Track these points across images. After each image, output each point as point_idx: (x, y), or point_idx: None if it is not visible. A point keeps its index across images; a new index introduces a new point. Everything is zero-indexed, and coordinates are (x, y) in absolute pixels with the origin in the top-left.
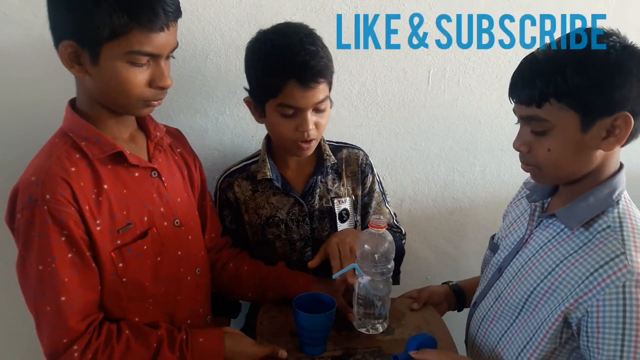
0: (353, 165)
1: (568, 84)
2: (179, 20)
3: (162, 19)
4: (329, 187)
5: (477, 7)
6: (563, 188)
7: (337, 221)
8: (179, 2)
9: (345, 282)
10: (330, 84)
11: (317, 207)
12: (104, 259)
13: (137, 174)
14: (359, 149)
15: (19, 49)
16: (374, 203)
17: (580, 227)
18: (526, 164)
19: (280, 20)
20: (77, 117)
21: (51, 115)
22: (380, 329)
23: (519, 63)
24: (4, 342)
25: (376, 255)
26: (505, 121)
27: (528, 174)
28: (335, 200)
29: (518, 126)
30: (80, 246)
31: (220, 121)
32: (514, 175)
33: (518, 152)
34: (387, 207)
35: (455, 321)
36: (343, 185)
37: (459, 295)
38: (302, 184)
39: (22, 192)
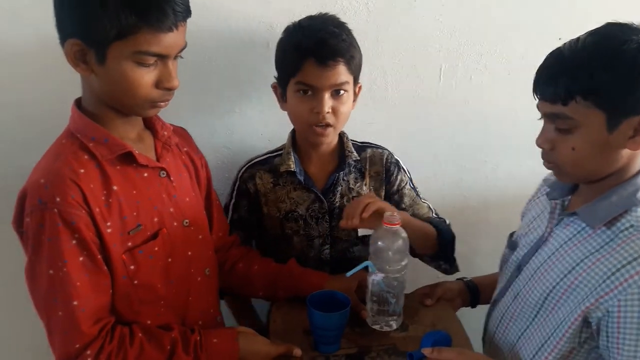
0: (377, 165)
1: (595, 82)
2: (188, 18)
3: (171, 19)
4: (351, 186)
5: (488, 3)
6: (584, 186)
7: None
8: (188, 2)
9: (358, 279)
10: (352, 70)
11: (337, 204)
12: (116, 261)
13: (146, 174)
14: (384, 148)
15: (29, 48)
16: (406, 200)
17: (602, 225)
18: (548, 162)
19: (290, 16)
20: (84, 117)
21: (62, 115)
22: (394, 326)
23: (544, 58)
24: (9, 345)
25: (390, 252)
26: (517, 118)
27: (542, 172)
28: None
29: (530, 124)
30: (91, 249)
31: (229, 120)
32: (525, 174)
33: (534, 150)
34: (424, 202)
35: (471, 318)
36: (366, 184)
37: (473, 292)
38: (323, 180)
39: (31, 195)
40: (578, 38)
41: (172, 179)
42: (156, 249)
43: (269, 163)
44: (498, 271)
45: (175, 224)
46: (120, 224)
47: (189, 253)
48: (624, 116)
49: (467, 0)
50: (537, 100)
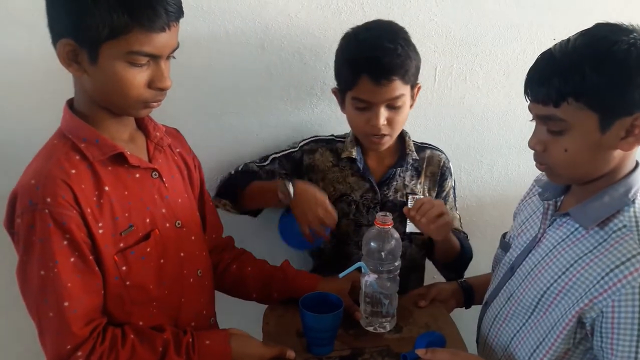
0: (434, 166)
1: (586, 83)
2: (183, 18)
3: (164, 19)
4: (406, 183)
5: (483, 3)
6: (577, 187)
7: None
8: (181, 2)
9: (351, 281)
10: (408, 81)
11: (390, 198)
12: (107, 262)
13: (137, 175)
14: (442, 152)
15: (25, 50)
16: (447, 207)
17: (595, 226)
18: (541, 163)
19: (285, 17)
20: (75, 118)
21: (56, 117)
22: (388, 327)
23: (533, 60)
24: (7, 345)
25: (383, 253)
26: (512, 119)
27: (537, 172)
28: (410, 197)
29: (526, 123)
30: (82, 250)
31: (224, 120)
32: (521, 174)
33: (530, 150)
34: (457, 213)
35: (465, 319)
36: (420, 183)
37: (468, 292)
38: (381, 173)
39: (22, 196)
40: (568, 39)
41: (164, 179)
42: (148, 249)
43: (332, 144)
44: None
45: (167, 225)
46: (112, 225)
47: (182, 254)
48: (616, 117)
49: (462, 1)
50: (529, 102)
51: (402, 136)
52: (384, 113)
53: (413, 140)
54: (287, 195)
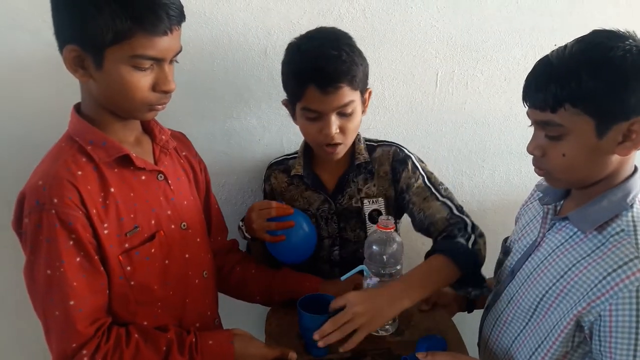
0: (385, 165)
1: (583, 89)
2: (186, 24)
3: (166, 23)
4: (360, 187)
5: (485, 9)
6: (576, 191)
7: (367, 222)
8: (182, 7)
9: (353, 283)
10: (356, 86)
11: (345, 206)
12: (112, 262)
13: (143, 177)
14: (393, 144)
15: (28, 54)
16: (415, 199)
17: (593, 230)
18: (539, 168)
19: (287, 23)
20: (82, 121)
21: (61, 120)
22: (390, 330)
23: (532, 66)
24: (11, 345)
25: (384, 257)
26: (514, 124)
27: (539, 177)
28: (365, 201)
29: (527, 129)
30: (88, 250)
31: (228, 125)
32: (523, 179)
33: (530, 155)
34: (440, 200)
35: (467, 323)
36: (375, 185)
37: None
38: (333, 182)
39: (30, 197)
40: (565, 46)
41: (169, 182)
42: (153, 250)
43: (284, 164)
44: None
45: (172, 226)
46: (117, 226)
47: (187, 255)
48: (612, 122)
49: (463, 7)
50: (527, 108)
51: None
52: (335, 121)
53: (368, 141)
54: None
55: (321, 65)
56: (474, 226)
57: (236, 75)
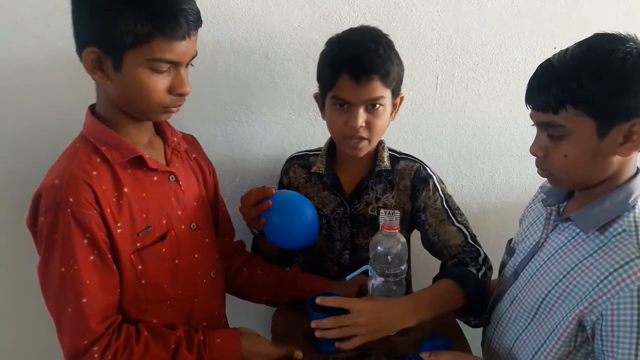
0: (406, 179)
1: (584, 91)
2: (199, 28)
3: (184, 28)
4: (378, 196)
5: (484, 13)
6: (579, 192)
7: None
8: (199, 12)
9: (359, 284)
10: (389, 84)
11: (361, 212)
12: (124, 261)
13: (155, 178)
14: (417, 161)
15: (32, 58)
16: (432, 220)
17: (595, 231)
18: (542, 169)
19: (289, 27)
20: (97, 122)
21: (65, 122)
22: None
23: (533, 69)
24: (19, 343)
25: (389, 257)
26: (514, 126)
27: (539, 179)
28: (382, 211)
29: (527, 131)
30: (102, 248)
31: (229, 128)
32: (523, 181)
33: (531, 157)
34: (456, 226)
35: None
36: (393, 197)
37: None
38: (352, 185)
39: (46, 195)
40: (567, 49)
41: (180, 183)
42: (164, 250)
43: (304, 159)
44: (497, 277)
45: (183, 226)
46: (130, 225)
47: (196, 255)
48: (613, 123)
49: (463, 10)
50: (530, 110)
51: (377, 145)
52: (362, 114)
53: (392, 152)
54: None
55: (357, 54)
56: (485, 258)
57: (238, 79)
